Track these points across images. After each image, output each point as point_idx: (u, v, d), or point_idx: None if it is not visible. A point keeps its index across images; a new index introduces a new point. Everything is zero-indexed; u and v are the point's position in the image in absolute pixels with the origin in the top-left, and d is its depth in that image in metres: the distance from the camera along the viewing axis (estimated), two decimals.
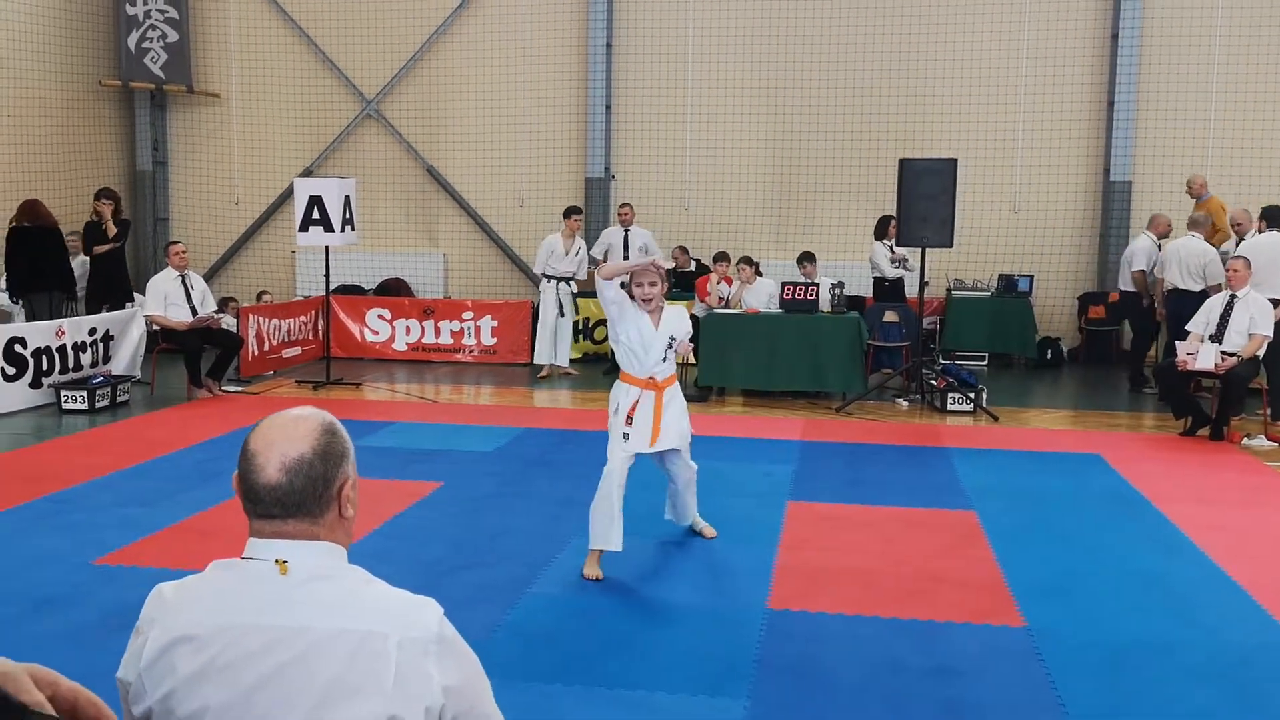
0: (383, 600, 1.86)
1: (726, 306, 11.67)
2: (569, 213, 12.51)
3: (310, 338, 13.19)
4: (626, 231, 12.63)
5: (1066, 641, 4.99)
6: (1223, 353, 9.41)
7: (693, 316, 11.86)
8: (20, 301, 11.48)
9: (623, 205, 13.03)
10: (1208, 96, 13.70)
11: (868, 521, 6.90)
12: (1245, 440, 9.36)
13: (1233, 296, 9.59)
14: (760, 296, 11.49)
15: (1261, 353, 9.56)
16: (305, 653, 1.78)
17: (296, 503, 1.85)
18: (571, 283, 12.60)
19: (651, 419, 5.81)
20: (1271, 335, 9.47)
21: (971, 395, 10.56)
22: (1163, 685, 4.56)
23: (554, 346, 12.52)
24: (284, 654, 1.78)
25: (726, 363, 11.10)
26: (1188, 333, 9.80)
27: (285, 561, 1.84)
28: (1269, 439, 9.40)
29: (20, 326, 10.39)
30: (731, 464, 8.35)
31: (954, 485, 7.82)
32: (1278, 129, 13.61)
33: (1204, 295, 10.49)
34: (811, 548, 6.34)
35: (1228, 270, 9.76)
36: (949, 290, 13.60)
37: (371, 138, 15.72)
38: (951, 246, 10.84)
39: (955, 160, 10.78)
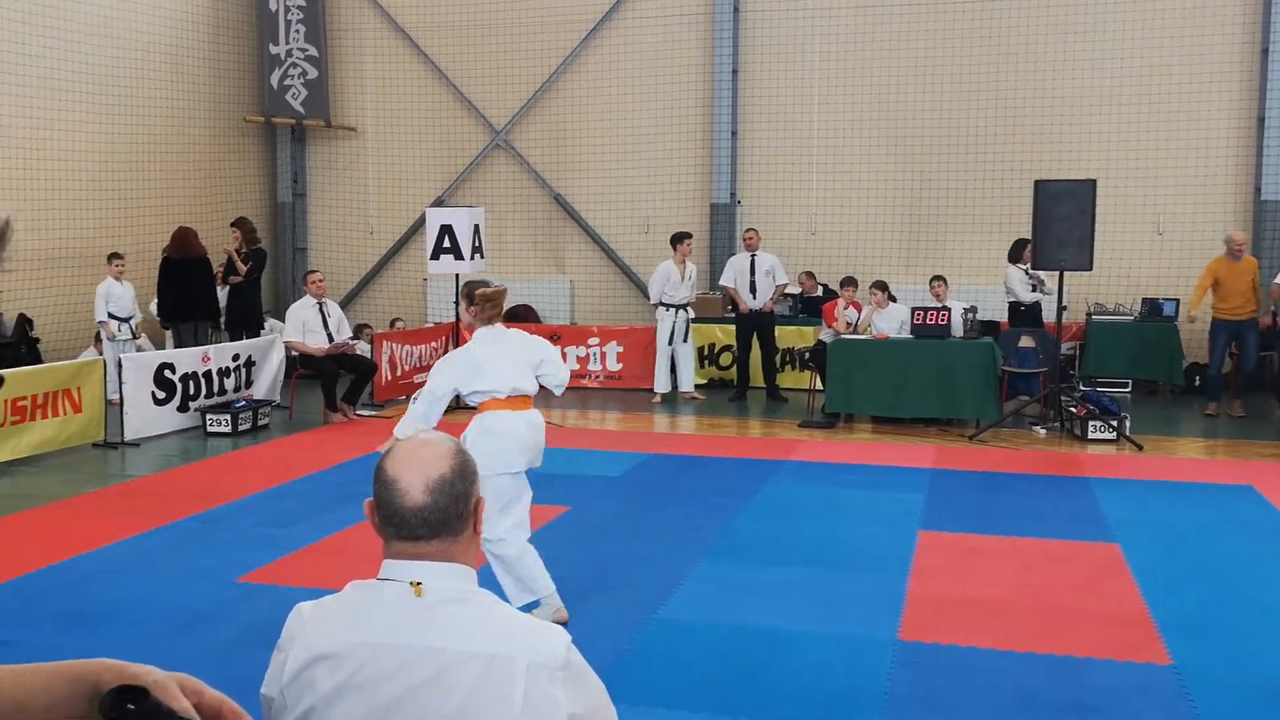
0: (512, 624, 1.88)
1: (854, 332, 11.51)
2: (678, 239, 12.54)
3: None
4: (753, 257, 12.59)
5: (1216, 680, 4.74)
6: None
7: (820, 342, 11.87)
8: (170, 328, 12.03)
9: (748, 230, 12.98)
10: None
11: (1003, 552, 6.69)
12: None
13: None
14: (892, 322, 11.29)
15: None
16: (437, 674, 1.82)
17: (441, 521, 1.90)
18: (689, 309, 12.62)
19: None
20: None
21: (1114, 423, 10.18)
22: None
23: (671, 374, 12.59)
24: (417, 674, 1.82)
25: (854, 389, 10.93)
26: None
27: (419, 583, 1.88)
28: None
29: (169, 353, 10.86)
30: (861, 491, 8.22)
31: (1095, 516, 7.54)
32: None
33: None
34: (944, 578, 6.17)
35: None
36: (1089, 314, 13.16)
37: (500, 167, 16.03)
38: (1090, 269, 10.49)
39: (1094, 181, 10.44)
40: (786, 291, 13.37)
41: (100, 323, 12.12)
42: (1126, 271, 13.59)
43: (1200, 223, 13.69)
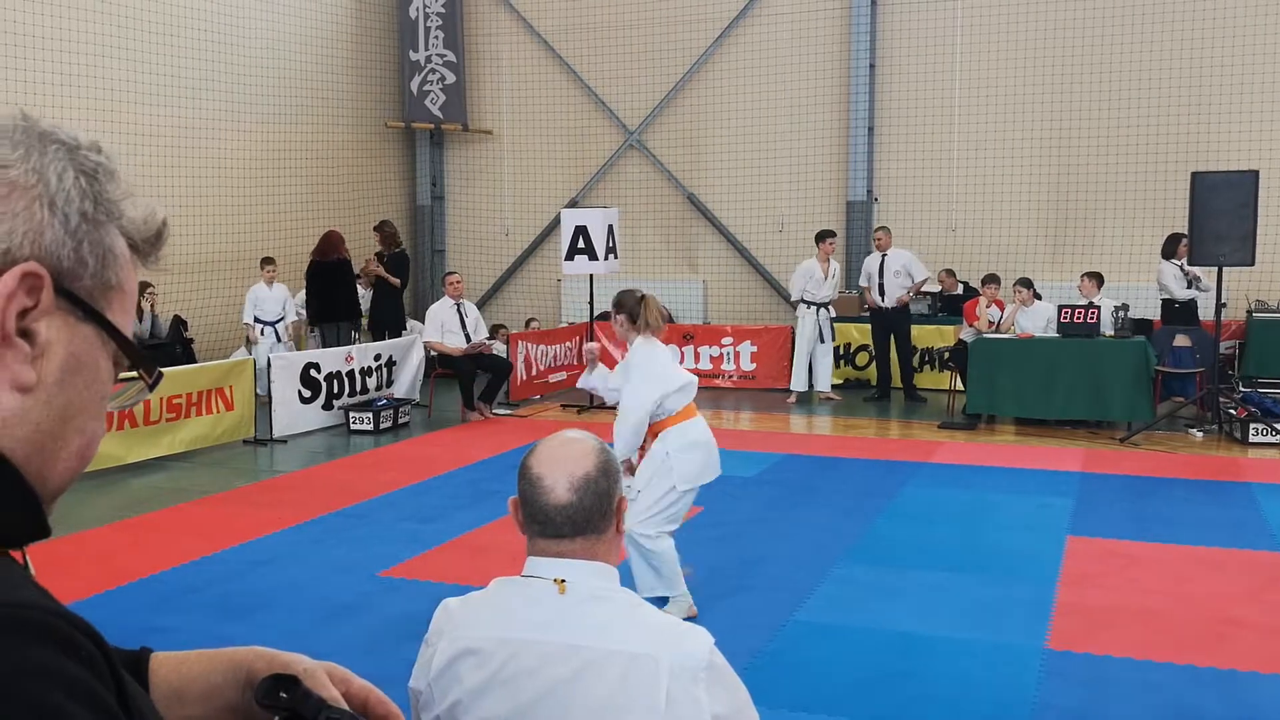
0: (655, 624, 1.88)
1: (997, 331, 11.17)
2: (822, 236, 12.41)
3: (575, 363, 13.57)
4: (883, 258, 12.35)
5: None
6: None
7: (960, 341, 11.56)
8: (316, 329, 12.40)
9: (877, 230, 12.73)
10: None
11: (1158, 560, 6.40)
12: None
13: None
14: (1037, 320, 10.93)
15: None
16: (580, 671, 1.82)
17: (585, 519, 1.90)
18: (830, 308, 12.44)
19: None
20: None
21: (1277, 426, 9.65)
22: None
23: (809, 373, 12.43)
24: (560, 671, 1.83)
25: (997, 389, 10.60)
26: None
27: (564, 581, 1.89)
28: None
29: (315, 353, 11.20)
30: (1005, 495, 7.97)
31: (1258, 523, 7.14)
32: None
33: None
34: (1095, 585, 5.92)
35: None
36: (1249, 312, 12.50)
37: (633, 168, 16.09)
38: (1252, 264, 9.96)
39: (1256, 173, 9.92)
40: (924, 289, 13.03)
41: (246, 325, 12.51)
42: None
43: None
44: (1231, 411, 10.03)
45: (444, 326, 11.39)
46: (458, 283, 11.61)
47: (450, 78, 16.44)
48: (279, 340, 12.51)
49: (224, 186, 13.56)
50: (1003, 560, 6.36)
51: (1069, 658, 4.93)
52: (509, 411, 11.76)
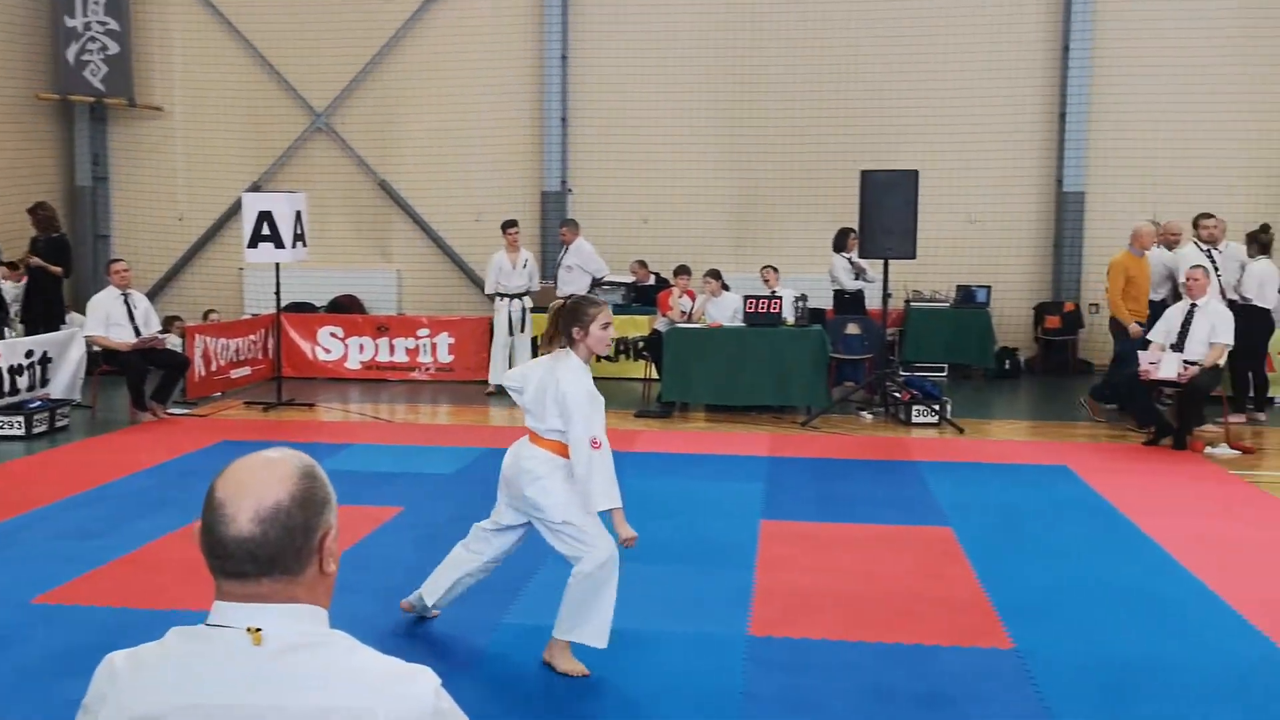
0: (370, 672, 1.62)
1: (689, 320, 11.49)
2: (505, 227, 12.35)
3: (260, 357, 12.82)
4: (563, 251, 12.50)
5: (1058, 662, 4.83)
6: (1185, 362, 9.38)
7: (655, 331, 11.80)
8: None
9: (561, 225, 12.88)
10: (1158, 105, 13.76)
11: (845, 540, 6.73)
12: (1208, 449, 9.33)
13: (1193, 306, 9.58)
14: (725, 310, 11.33)
15: (1222, 361, 9.56)
16: None
17: (271, 557, 1.60)
18: (526, 298, 12.38)
19: None
20: (1232, 343, 9.49)
21: (936, 407, 10.46)
22: (1163, 706, 4.41)
23: (509, 365, 12.32)
24: None
25: (689, 378, 10.91)
26: (1149, 342, 9.79)
27: (259, 630, 1.60)
28: (1232, 447, 9.37)
29: None
30: (699, 482, 8.17)
31: (928, 500, 7.68)
32: (1228, 141, 13.69)
33: (1164, 305, 10.50)
34: (790, 569, 6.15)
35: (1187, 279, 9.75)
36: (907, 301, 13.53)
37: (321, 151, 15.38)
38: (914, 258, 10.75)
39: (916, 172, 10.70)
40: (605, 279, 13.12)
41: None
42: (942, 260, 14.03)
43: (1009, 213, 14.27)
44: (896, 395, 10.79)
45: (109, 319, 10.43)
46: (124, 271, 10.65)
47: (113, 48, 15.10)
48: None
49: None
50: (701, 548, 6.49)
51: (769, 643, 5.06)
52: (186, 411, 10.93)
